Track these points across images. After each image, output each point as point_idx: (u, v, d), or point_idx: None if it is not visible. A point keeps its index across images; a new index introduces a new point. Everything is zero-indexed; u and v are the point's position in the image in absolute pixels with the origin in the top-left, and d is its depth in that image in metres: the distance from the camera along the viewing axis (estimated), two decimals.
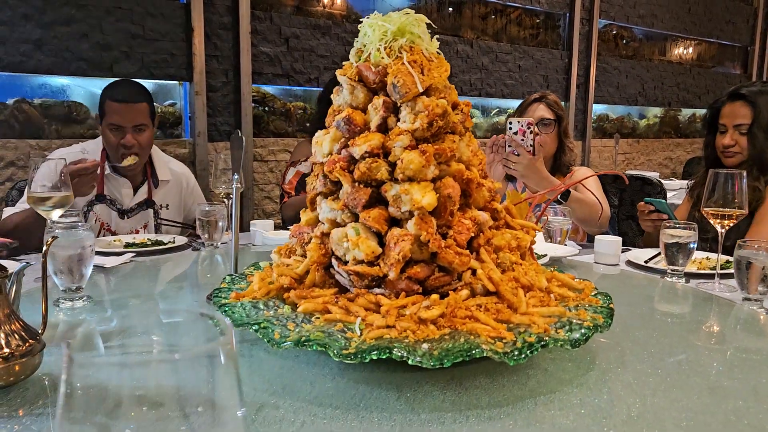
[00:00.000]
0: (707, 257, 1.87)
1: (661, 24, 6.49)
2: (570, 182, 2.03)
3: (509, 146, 2.14)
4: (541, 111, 2.46)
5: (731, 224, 1.56)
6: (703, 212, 1.61)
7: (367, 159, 0.91)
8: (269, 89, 3.77)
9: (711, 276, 1.65)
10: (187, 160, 3.33)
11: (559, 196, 2.15)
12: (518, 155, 2.12)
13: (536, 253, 1.68)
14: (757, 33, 7.84)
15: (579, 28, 5.47)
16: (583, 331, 0.88)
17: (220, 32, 3.42)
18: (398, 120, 0.93)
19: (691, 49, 7.25)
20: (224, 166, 2.00)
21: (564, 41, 5.52)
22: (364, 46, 0.97)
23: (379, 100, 0.93)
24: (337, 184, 0.96)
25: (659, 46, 6.78)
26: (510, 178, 2.56)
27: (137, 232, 2.26)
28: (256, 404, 0.81)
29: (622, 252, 1.96)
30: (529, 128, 2.12)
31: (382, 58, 0.93)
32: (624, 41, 6.33)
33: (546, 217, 1.96)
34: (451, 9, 4.72)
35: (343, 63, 1.00)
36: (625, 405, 0.84)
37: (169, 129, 3.51)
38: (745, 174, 1.57)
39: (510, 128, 2.14)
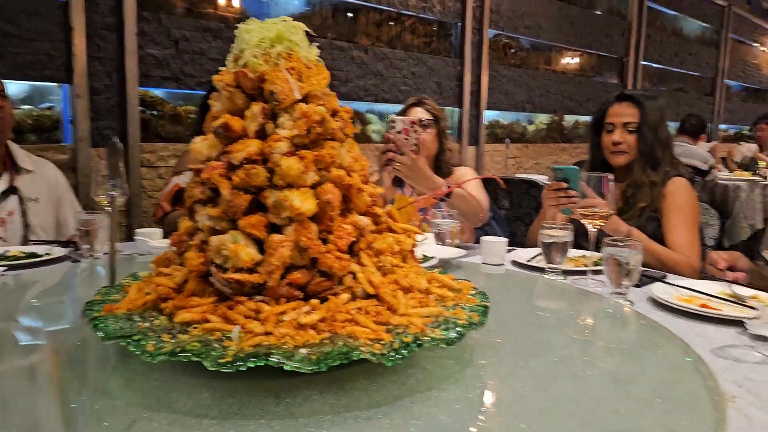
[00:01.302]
0: (583, 255, 2.00)
1: (546, 35, 6.87)
2: (454, 184, 2.09)
3: (392, 144, 2.10)
4: (420, 113, 2.52)
5: (601, 223, 1.68)
6: (575, 212, 1.72)
7: (245, 165, 0.91)
8: (158, 93, 3.64)
9: (585, 272, 1.77)
10: (67, 166, 3.14)
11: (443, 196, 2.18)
12: (401, 155, 2.09)
13: (425, 256, 1.74)
14: (631, 45, 8.47)
15: (470, 37, 5.68)
16: (458, 329, 0.91)
17: (104, 33, 3.26)
18: (276, 126, 0.93)
19: (573, 60, 7.72)
20: (106, 173, 1.91)
21: (456, 49, 5.71)
22: (241, 51, 0.96)
23: (257, 107, 0.93)
24: (216, 191, 0.95)
25: (545, 56, 7.17)
26: (398, 183, 2.62)
27: (3, 221, 2.17)
28: (129, 419, 0.78)
29: (508, 252, 2.05)
30: (412, 127, 2.10)
31: (260, 64, 0.93)
32: (512, 51, 6.64)
33: (430, 220, 2.02)
34: (346, 15, 4.76)
35: (219, 69, 0.99)
36: (496, 397, 0.88)
37: (45, 134, 3.30)
38: (612, 177, 1.69)
39: (393, 127, 2.11)
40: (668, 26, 9.62)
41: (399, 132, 2.10)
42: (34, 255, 1.83)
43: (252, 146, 0.91)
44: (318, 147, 0.94)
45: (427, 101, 2.59)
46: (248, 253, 0.89)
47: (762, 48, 12.81)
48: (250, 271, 0.90)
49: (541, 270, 1.81)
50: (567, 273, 1.80)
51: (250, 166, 0.90)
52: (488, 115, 6.25)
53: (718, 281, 1.61)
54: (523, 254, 2.03)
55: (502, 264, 1.93)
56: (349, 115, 1.02)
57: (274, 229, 0.93)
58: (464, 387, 0.91)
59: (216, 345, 0.81)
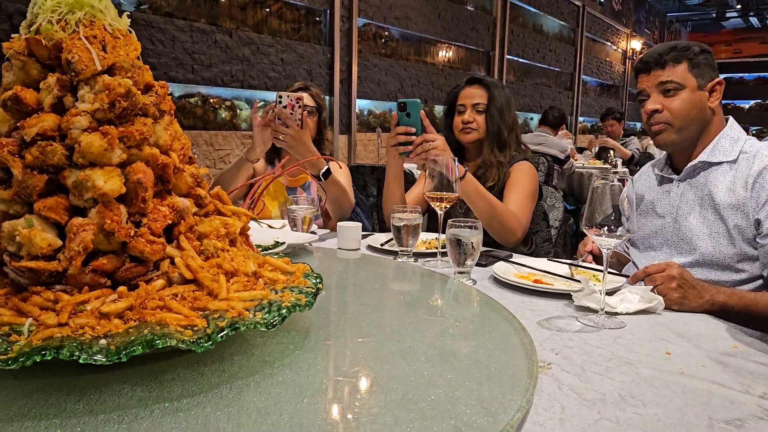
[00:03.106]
0: (436, 237, 2.05)
1: (416, 26, 7.01)
2: (288, 167, 2.12)
3: (278, 119, 2.21)
4: (305, 99, 2.54)
5: (447, 206, 1.73)
6: (425, 196, 1.76)
7: (40, 142, 0.82)
8: None
9: (435, 254, 1.82)
10: None
11: (320, 175, 2.26)
12: (287, 127, 2.20)
13: (277, 241, 1.70)
14: (497, 40, 8.87)
15: (340, 25, 5.67)
16: (282, 311, 0.89)
17: None
18: (77, 100, 0.85)
19: (442, 52, 7.95)
20: None
21: (326, 37, 5.67)
22: (35, 17, 0.87)
23: (52, 78, 0.84)
24: (9, 172, 0.85)
25: (415, 47, 7.32)
26: (269, 161, 2.61)
27: None
28: None
29: (364, 237, 2.06)
30: (297, 103, 2.21)
31: (56, 31, 0.85)
32: (383, 40, 6.72)
33: (263, 202, 1.99)
34: None
35: (12, 35, 0.89)
36: (319, 378, 0.87)
37: None
38: (455, 158, 1.75)
39: (280, 102, 2.22)
40: (530, 23, 10.18)
41: (285, 107, 2.21)
42: None
43: (47, 121, 0.82)
44: (126, 123, 0.87)
45: (312, 88, 2.68)
46: (45, 238, 0.81)
47: (613, 47, 13.92)
48: (49, 258, 0.82)
49: (395, 254, 1.83)
50: (418, 255, 1.84)
51: (45, 143, 0.82)
52: (360, 104, 6.29)
53: (558, 261, 1.70)
54: (378, 238, 2.05)
55: (358, 249, 1.94)
56: (165, 90, 0.96)
57: (78, 212, 0.86)
58: (288, 370, 0.88)
59: (0, 340, 0.73)
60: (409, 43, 7.16)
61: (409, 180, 3.40)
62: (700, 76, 1.70)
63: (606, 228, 1.25)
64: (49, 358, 0.71)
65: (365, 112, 6.58)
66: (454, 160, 1.73)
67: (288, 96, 2.22)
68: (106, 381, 0.81)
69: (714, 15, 17.81)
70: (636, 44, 14.61)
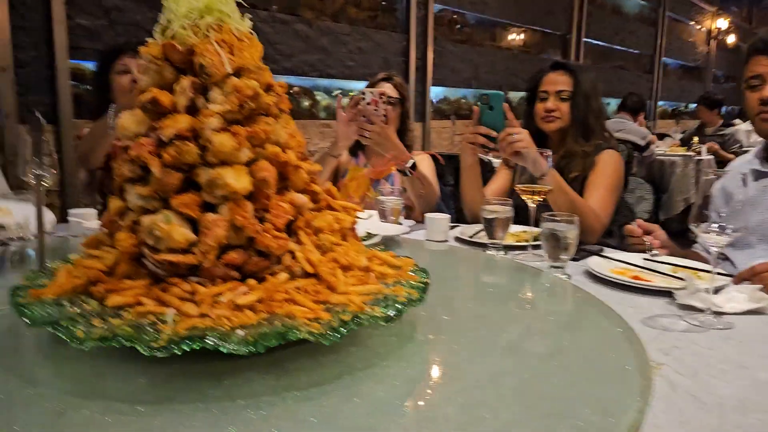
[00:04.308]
0: (524, 230, 2.04)
1: (491, 11, 6.89)
2: (377, 168, 2.13)
3: (362, 117, 2.22)
4: (388, 90, 2.54)
5: (540, 199, 1.71)
6: (516, 189, 1.75)
7: (176, 142, 0.87)
8: (92, 66, 3.48)
9: (526, 248, 1.81)
10: None
11: (406, 168, 2.24)
12: (372, 124, 2.21)
13: (369, 233, 1.74)
14: (574, 23, 8.60)
15: (416, 12, 5.64)
16: (397, 306, 0.91)
17: (29, 1, 3.09)
18: (207, 101, 0.90)
19: (518, 36, 7.79)
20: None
21: (402, 24, 5.67)
22: (169, 22, 0.92)
23: (186, 81, 0.89)
24: (147, 170, 0.91)
25: (490, 32, 7.21)
26: (352, 153, 2.64)
27: None
28: (59, 408, 0.75)
29: (452, 228, 2.07)
30: (381, 98, 2.22)
31: (189, 36, 0.90)
32: (458, 27, 6.65)
33: (380, 189, 2.03)
34: None
35: (146, 40, 0.95)
36: (435, 373, 0.89)
37: None
38: (550, 153, 1.72)
39: (363, 98, 2.23)
40: (608, 4, 9.81)
41: (368, 103, 2.21)
42: None
43: (182, 122, 0.87)
44: (252, 123, 0.92)
45: (395, 78, 2.66)
46: (182, 233, 0.86)
47: (697, 26, 13.23)
48: (184, 251, 0.87)
49: (484, 246, 1.84)
50: (508, 248, 1.84)
51: (182, 142, 0.87)
52: (435, 92, 6.26)
53: (643, 253, 1.66)
54: (466, 230, 2.05)
55: (446, 240, 1.95)
56: (284, 90, 1.00)
57: (208, 208, 0.91)
58: (405, 363, 0.91)
59: (149, 329, 0.79)
60: (483, 28, 7.05)
61: (488, 169, 3.37)
62: None
63: (716, 225, 1.21)
64: (196, 347, 0.76)
65: (439, 100, 6.55)
66: (546, 156, 1.71)
67: (371, 92, 2.23)
68: (236, 368, 0.86)
69: None
70: (722, 23, 13.82)
